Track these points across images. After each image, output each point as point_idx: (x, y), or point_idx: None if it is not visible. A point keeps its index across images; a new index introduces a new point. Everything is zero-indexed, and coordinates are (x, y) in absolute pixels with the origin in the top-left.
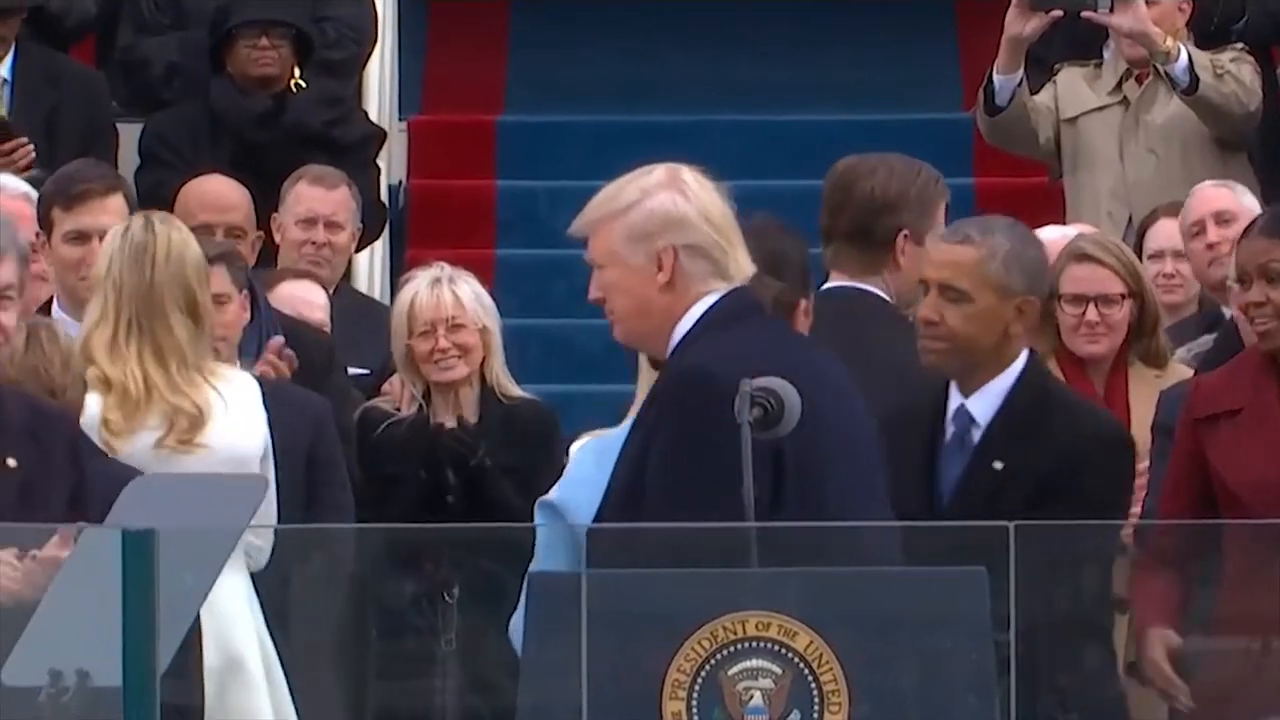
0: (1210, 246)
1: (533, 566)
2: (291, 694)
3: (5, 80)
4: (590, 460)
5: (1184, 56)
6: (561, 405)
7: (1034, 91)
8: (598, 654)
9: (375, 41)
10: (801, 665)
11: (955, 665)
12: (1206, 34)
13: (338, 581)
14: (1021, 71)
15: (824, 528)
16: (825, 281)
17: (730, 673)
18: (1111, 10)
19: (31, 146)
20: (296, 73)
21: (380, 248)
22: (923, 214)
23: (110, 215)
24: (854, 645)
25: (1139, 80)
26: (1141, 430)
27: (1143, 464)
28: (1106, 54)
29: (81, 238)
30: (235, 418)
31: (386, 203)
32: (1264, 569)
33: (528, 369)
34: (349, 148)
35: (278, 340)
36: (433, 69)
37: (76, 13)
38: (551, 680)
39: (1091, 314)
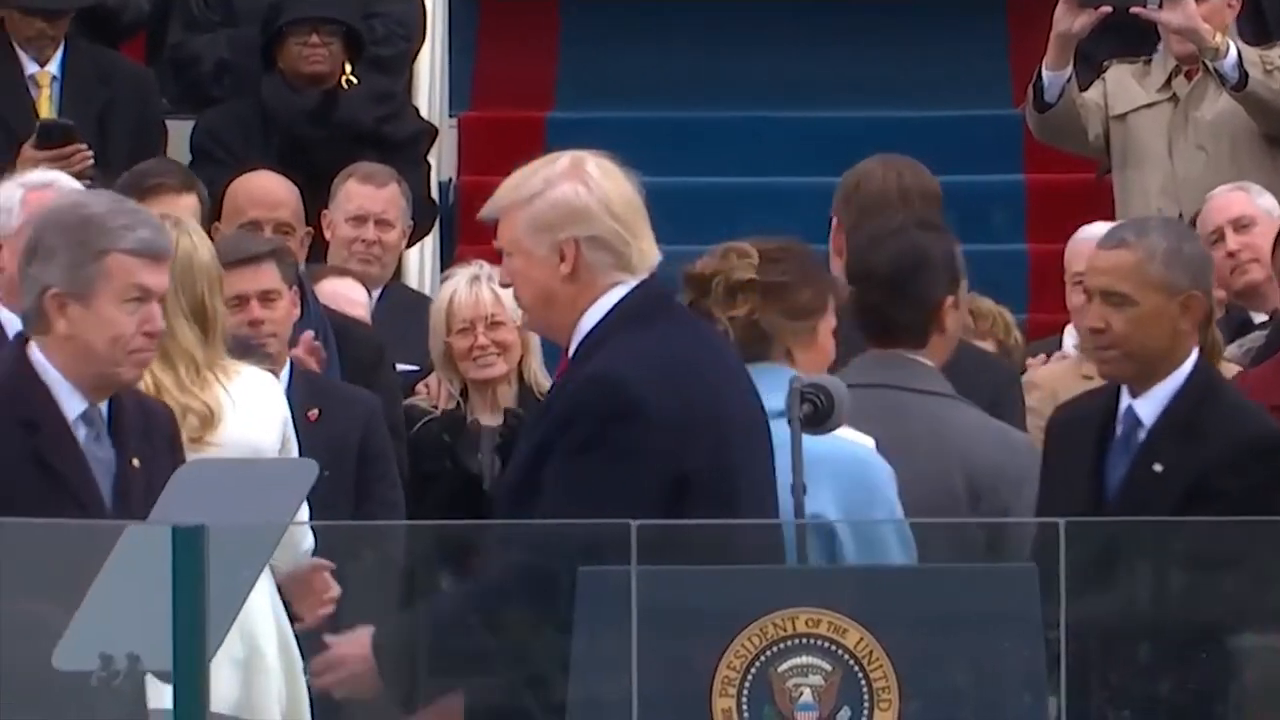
0: (1231, 255)
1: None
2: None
3: (55, 78)
4: None
5: (1233, 52)
6: None
7: (1083, 88)
8: (648, 650)
9: (424, 37)
10: (851, 662)
11: (1006, 662)
12: (1264, 31)
13: (388, 578)
14: (1071, 68)
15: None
16: None
17: (780, 669)
18: (1160, 6)
19: (91, 153)
20: (347, 69)
21: (430, 245)
22: None
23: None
24: (904, 642)
25: (1188, 76)
26: None
27: None
28: (1156, 51)
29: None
30: (245, 413)
31: (437, 199)
32: None
33: None
34: (400, 144)
35: (308, 334)
36: (483, 65)
37: (132, 9)
38: (602, 676)
39: None
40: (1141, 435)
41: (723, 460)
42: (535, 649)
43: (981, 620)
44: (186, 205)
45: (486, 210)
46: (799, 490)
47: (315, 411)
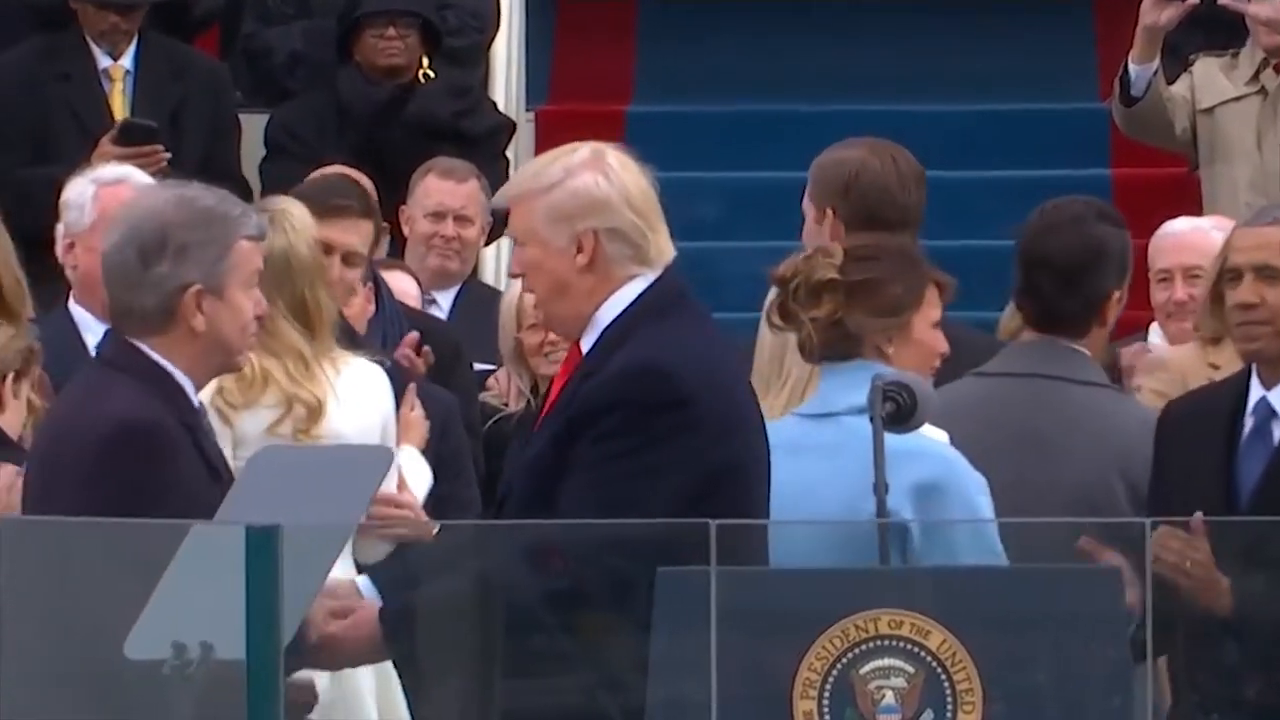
0: None
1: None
2: (418, 692)
3: (128, 72)
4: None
5: None
6: None
7: (1170, 81)
8: (727, 652)
9: (497, 28)
10: (934, 664)
11: (1091, 664)
12: None
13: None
14: (1158, 61)
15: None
16: None
17: (862, 672)
18: None
19: (167, 156)
20: (424, 63)
21: (507, 241)
22: None
23: (360, 238)
24: (988, 643)
25: (1277, 69)
26: None
27: None
28: (1244, 44)
29: (327, 249)
30: (349, 406)
31: None
32: None
33: None
34: (477, 139)
35: (414, 336)
36: (560, 58)
37: (204, 2)
38: (681, 678)
39: None
40: (1278, 429)
41: (755, 455)
42: (613, 651)
43: (1066, 621)
44: (365, 232)
45: (499, 198)
46: (881, 490)
47: None
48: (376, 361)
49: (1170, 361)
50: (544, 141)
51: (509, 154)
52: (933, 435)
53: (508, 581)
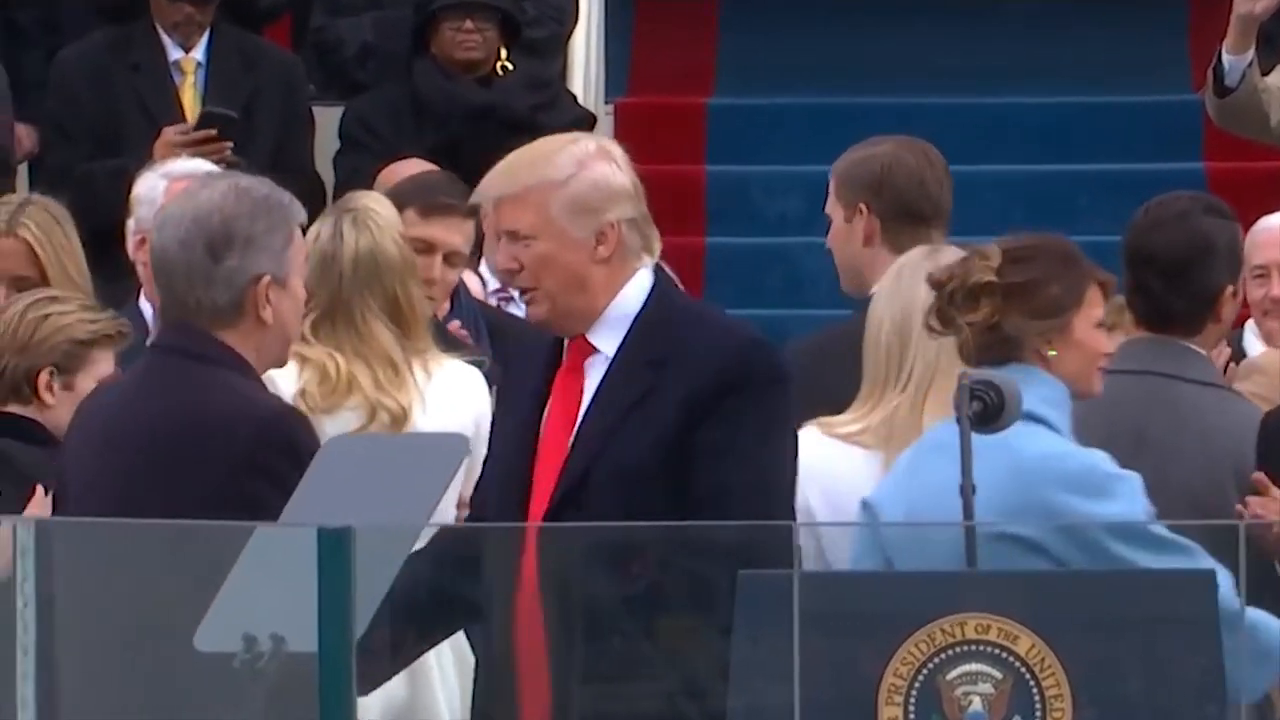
0: None
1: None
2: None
3: (200, 64)
4: (906, 457)
5: None
6: None
7: (1265, 72)
8: (810, 657)
9: (575, 19)
10: (1023, 669)
11: (1184, 670)
12: None
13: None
14: (1252, 51)
15: None
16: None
17: (949, 677)
18: None
19: (228, 146)
20: (502, 55)
21: None
22: None
23: (463, 238)
24: (1078, 648)
25: None
26: None
27: None
28: None
29: (429, 249)
30: (437, 411)
31: None
32: None
33: None
34: (556, 133)
35: (453, 324)
36: (639, 49)
37: None
38: (763, 683)
39: None
40: None
41: None
42: (693, 655)
43: (1158, 626)
44: (468, 233)
45: (490, 192)
46: (968, 491)
47: None
48: (474, 363)
49: (1267, 364)
50: (624, 135)
51: None
52: None
53: (586, 584)
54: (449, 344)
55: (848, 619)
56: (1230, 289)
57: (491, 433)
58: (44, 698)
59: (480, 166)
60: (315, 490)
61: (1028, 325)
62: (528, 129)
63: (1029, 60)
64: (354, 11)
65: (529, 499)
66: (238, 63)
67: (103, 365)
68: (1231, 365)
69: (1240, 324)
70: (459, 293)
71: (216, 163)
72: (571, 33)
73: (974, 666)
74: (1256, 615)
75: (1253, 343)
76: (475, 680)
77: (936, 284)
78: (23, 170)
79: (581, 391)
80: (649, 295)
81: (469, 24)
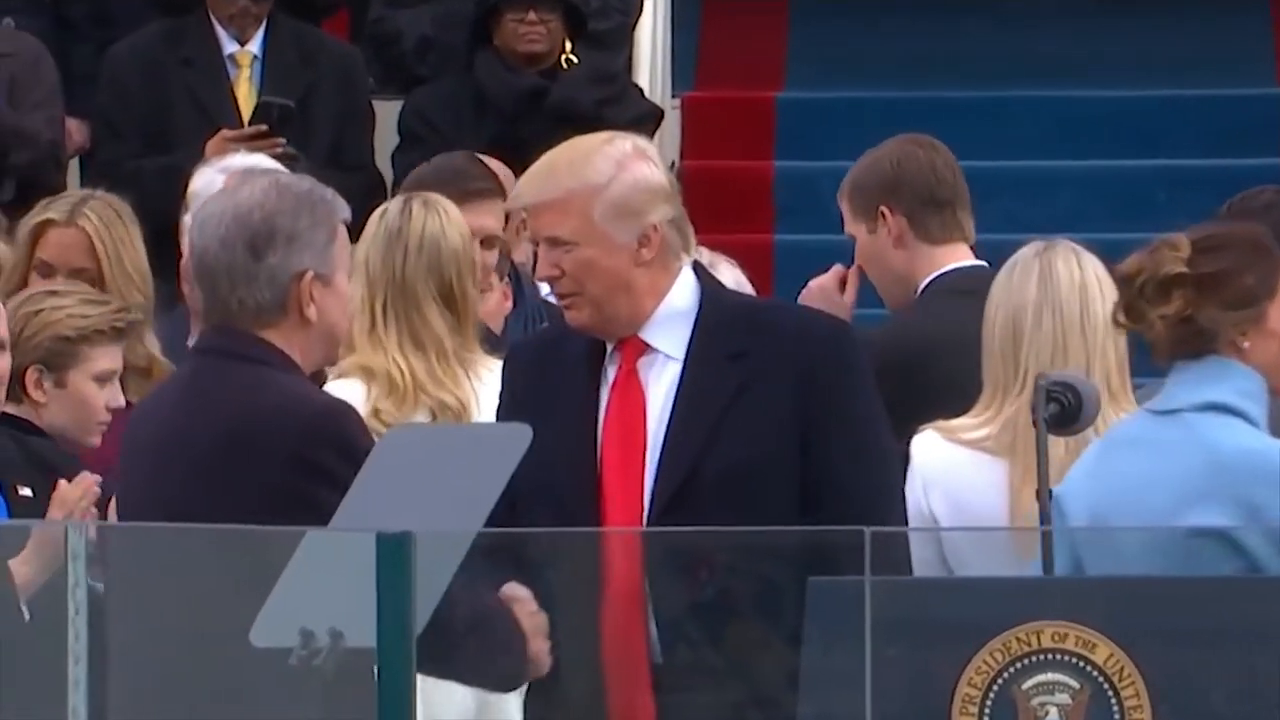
0: None
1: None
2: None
3: (256, 57)
4: (1094, 451)
5: None
6: None
7: None
8: (882, 666)
9: (641, 10)
10: (1101, 679)
11: (1272, 683)
12: None
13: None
14: None
15: None
16: None
17: (1024, 687)
18: None
19: (281, 142)
20: (567, 48)
21: None
22: None
23: (495, 219)
24: (1158, 658)
25: None
26: None
27: None
28: None
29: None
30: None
31: None
32: None
33: None
34: (623, 128)
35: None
36: (707, 42)
37: None
38: (834, 693)
39: None
40: None
41: None
42: (762, 664)
43: (1241, 635)
44: (499, 212)
45: (525, 199)
46: (1044, 495)
47: None
48: None
49: None
50: (691, 130)
51: (655, 143)
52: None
53: (654, 591)
54: (493, 346)
55: (921, 627)
56: None
57: None
58: (96, 707)
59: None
60: (375, 482)
61: (1222, 317)
62: (592, 124)
63: (1107, 53)
64: (413, 3)
65: (598, 506)
66: (295, 56)
67: (101, 362)
68: None
69: None
70: (522, 290)
71: (274, 158)
72: (637, 24)
73: (1051, 676)
74: None
75: None
76: (529, 689)
77: (1124, 278)
78: (73, 166)
79: (642, 394)
80: (700, 293)
81: (532, 15)
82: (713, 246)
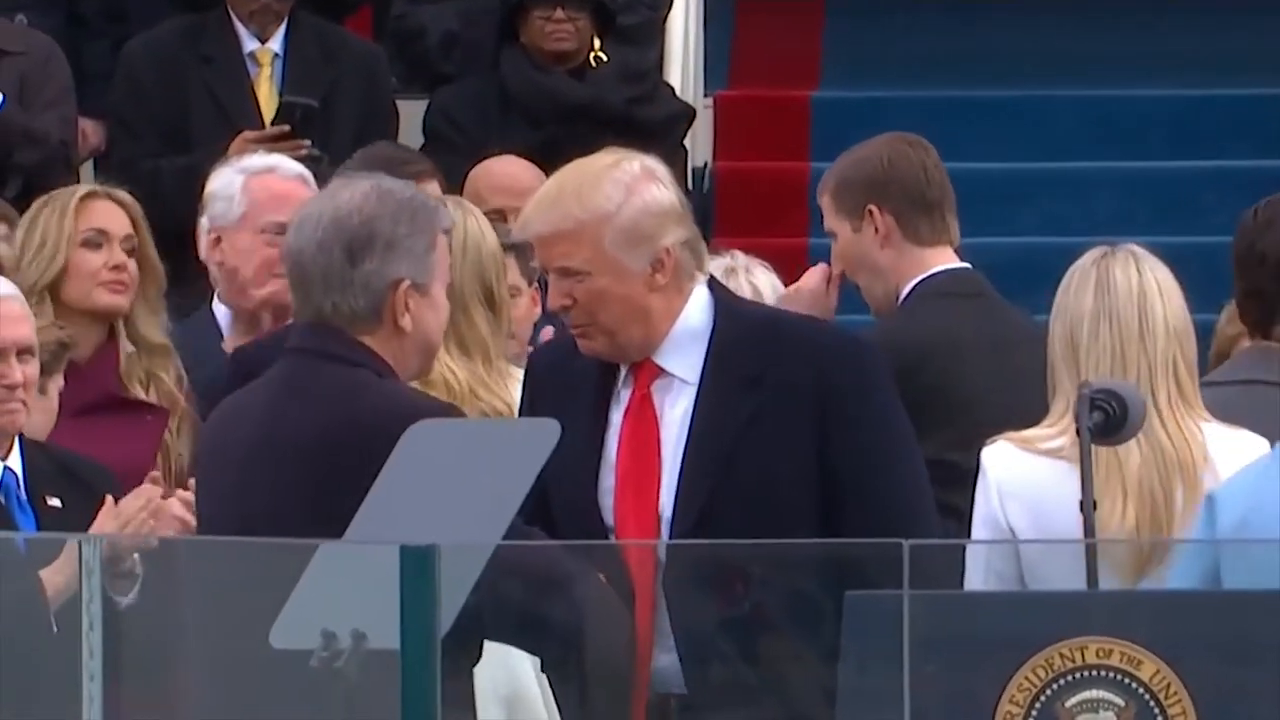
0: None
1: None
2: None
3: (276, 55)
4: (1266, 460)
5: None
6: None
7: None
8: (921, 682)
9: (670, 5)
10: (1147, 697)
11: None
12: None
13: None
14: None
15: None
16: None
17: (1068, 704)
18: None
19: (305, 144)
20: (596, 45)
21: None
22: None
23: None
24: (1205, 674)
25: None
26: None
27: None
28: None
29: None
30: None
31: (691, 187)
32: None
33: None
34: (654, 128)
35: (548, 330)
36: (741, 39)
37: None
38: (871, 712)
39: None
40: None
41: None
42: (797, 682)
43: None
44: (434, 193)
45: (540, 228)
46: (1088, 506)
47: None
48: None
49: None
50: (724, 130)
51: (687, 144)
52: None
53: (685, 606)
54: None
55: (961, 642)
56: None
57: None
58: None
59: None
60: (399, 480)
61: None
62: (623, 124)
63: (1152, 50)
64: None
65: (601, 528)
66: (317, 54)
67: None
68: None
69: None
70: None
71: (297, 160)
72: (666, 17)
73: (1095, 693)
74: None
75: None
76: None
77: None
78: (87, 168)
79: (655, 416)
80: (714, 311)
81: (560, 13)
82: (747, 251)
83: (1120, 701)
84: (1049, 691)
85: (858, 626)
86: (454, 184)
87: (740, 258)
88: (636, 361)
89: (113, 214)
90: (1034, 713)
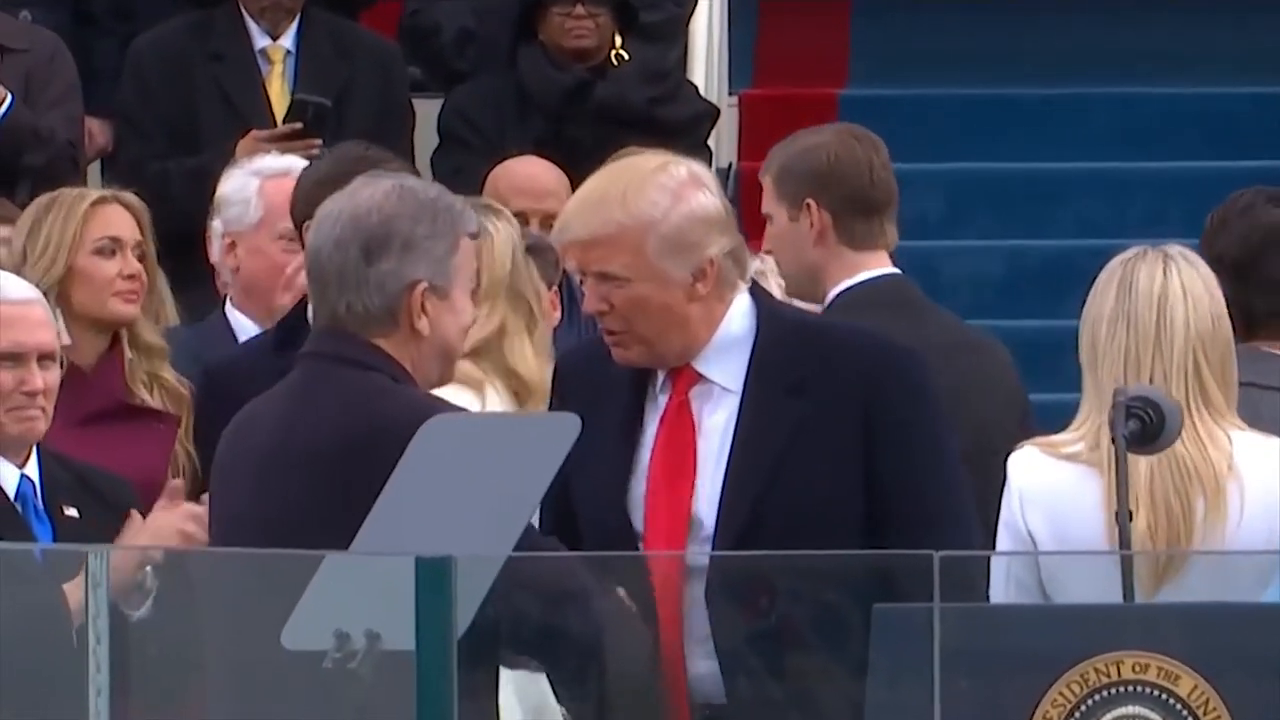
0: None
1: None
2: None
3: (289, 52)
4: None
5: None
6: None
7: None
8: (953, 698)
9: (694, 2)
10: (1185, 713)
11: None
12: None
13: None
14: None
15: None
16: None
17: None
18: None
19: (317, 143)
20: (617, 43)
21: None
22: None
23: None
24: (1244, 690)
25: None
26: None
27: None
28: None
29: None
30: None
31: None
32: None
33: None
34: (676, 128)
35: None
36: (766, 36)
37: None
38: None
39: None
40: None
41: None
42: (825, 696)
43: None
44: None
45: (581, 232)
46: (1124, 517)
47: None
48: None
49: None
50: (749, 130)
51: (710, 144)
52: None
53: (712, 620)
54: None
55: (994, 657)
56: None
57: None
58: None
59: (592, 162)
60: (414, 476)
61: None
62: (645, 124)
63: (1190, 47)
64: None
65: (630, 535)
66: (330, 51)
67: None
68: None
69: None
70: (576, 300)
71: (309, 160)
72: (691, 17)
73: (1131, 709)
74: None
75: None
76: None
77: None
78: (94, 169)
79: (693, 424)
80: (757, 317)
81: (579, 9)
82: None
83: (1157, 718)
84: (1084, 707)
85: (886, 640)
86: (472, 185)
87: (769, 261)
88: (675, 367)
89: (124, 220)
90: None
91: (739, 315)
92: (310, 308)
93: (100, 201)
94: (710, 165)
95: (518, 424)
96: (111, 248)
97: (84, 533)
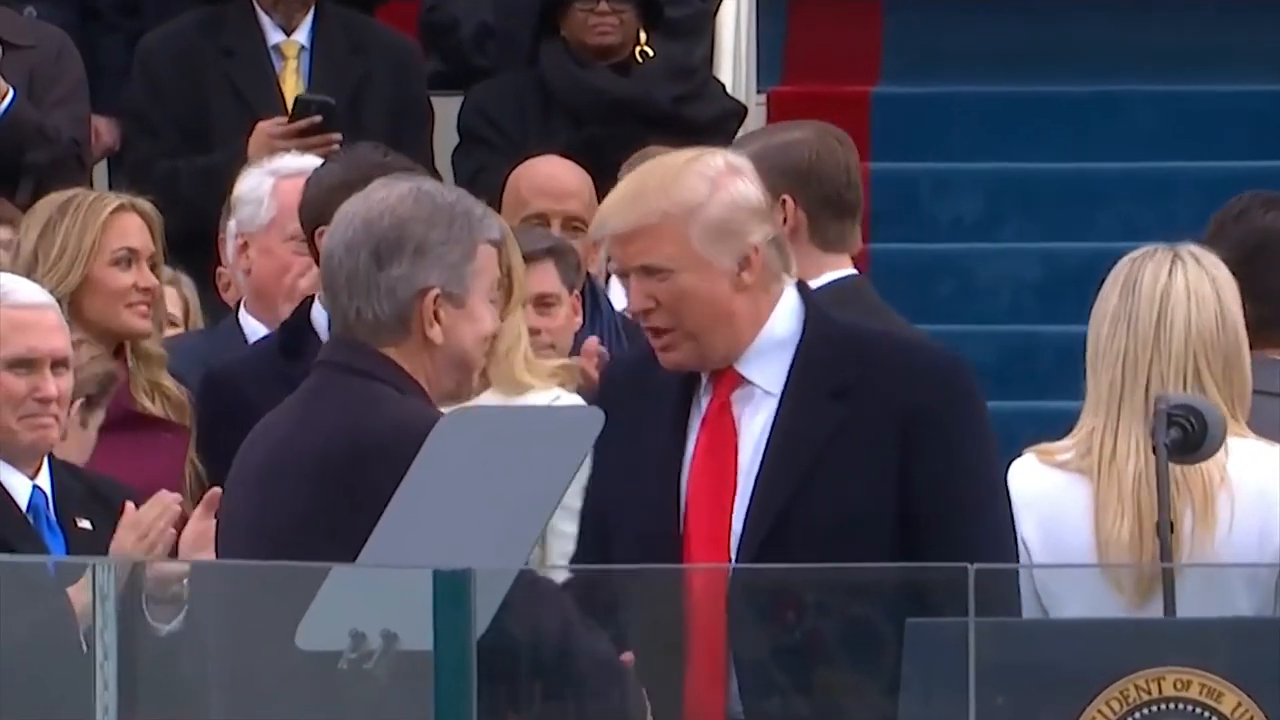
0: None
1: None
2: None
3: (303, 48)
4: None
5: None
6: None
7: None
8: (988, 715)
9: None
10: None
11: None
12: None
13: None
14: None
15: None
16: None
17: None
18: None
19: (337, 138)
20: (642, 39)
21: None
22: None
23: None
24: None
25: None
26: None
27: None
28: None
29: None
30: None
31: None
32: None
33: None
34: (703, 127)
35: (592, 340)
36: (795, 32)
37: None
38: None
39: None
40: None
41: None
42: (857, 713)
43: None
44: None
45: (621, 224)
46: (1165, 527)
47: None
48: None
49: None
50: None
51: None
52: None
53: (736, 635)
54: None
55: (1030, 672)
56: None
57: (596, 465)
58: None
59: (616, 162)
60: (433, 472)
61: None
62: (671, 123)
63: (1233, 44)
64: None
65: (681, 548)
66: (345, 46)
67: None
68: None
69: None
70: (599, 304)
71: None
72: (718, 12)
73: None
74: None
75: None
76: None
77: None
78: (100, 169)
79: (735, 432)
80: (804, 319)
81: (603, 5)
82: None
83: None
84: None
85: (920, 655)
86: (493, 186)
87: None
88: (718, 370)
89: (140, 230)
90: None
91: (785, 315)
92: (313, 311)
93: (119, 209)
94: None
95: (540, 417)
96: (128, 259)
97: (97, 545)
